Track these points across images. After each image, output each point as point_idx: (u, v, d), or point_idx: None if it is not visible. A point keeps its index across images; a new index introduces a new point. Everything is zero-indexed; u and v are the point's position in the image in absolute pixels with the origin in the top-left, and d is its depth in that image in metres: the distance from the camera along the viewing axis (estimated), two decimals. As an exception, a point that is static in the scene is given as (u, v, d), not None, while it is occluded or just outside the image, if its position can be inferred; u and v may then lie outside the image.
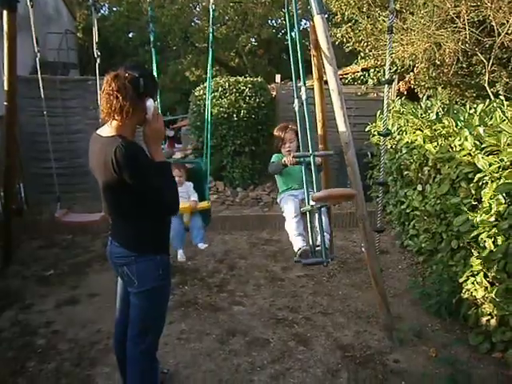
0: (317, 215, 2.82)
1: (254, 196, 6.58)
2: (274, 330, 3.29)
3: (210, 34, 3.45)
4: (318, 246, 2.74)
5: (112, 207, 2.03)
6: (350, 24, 6.84)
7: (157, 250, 2.06)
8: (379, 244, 3.68)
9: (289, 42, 3.15)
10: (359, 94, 6.77)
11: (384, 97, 3.47)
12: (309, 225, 2.78)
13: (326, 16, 3.11)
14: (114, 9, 14.63)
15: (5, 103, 3.82)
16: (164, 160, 2.03)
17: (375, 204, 5.54)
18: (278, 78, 6.90)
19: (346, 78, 7.21)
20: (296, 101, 2.92)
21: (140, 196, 1.92)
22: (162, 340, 3.10)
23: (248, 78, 6.66)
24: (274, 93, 6.99)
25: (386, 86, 3.38)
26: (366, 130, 6.02)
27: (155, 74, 3.17)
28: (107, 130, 1.94)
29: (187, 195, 3.52)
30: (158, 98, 2.34)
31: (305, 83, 2.86)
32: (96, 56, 4.06)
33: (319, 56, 3.23)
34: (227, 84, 6.43)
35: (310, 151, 2.79)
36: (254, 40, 16.00)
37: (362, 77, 7.07)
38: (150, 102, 1.96)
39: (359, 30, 6.72)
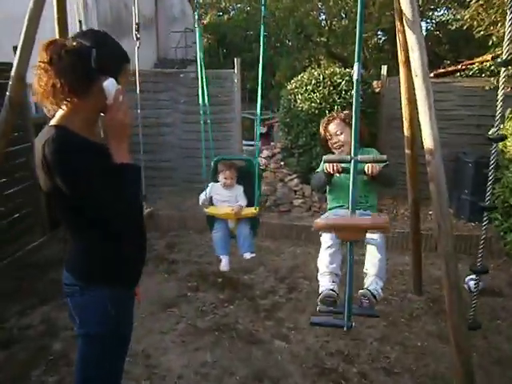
0: (367, 248, 2.06)
1: (345, 204, 5.77)
2: (314, 383, 2.57)
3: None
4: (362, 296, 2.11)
5: (61, 221, 1.57)
6: (481, 2, 5.51)
7: (108, 281, 1.53)
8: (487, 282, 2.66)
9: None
10: (487, 88, 5.44)
11: (499, 85, 2.45)
12: (348, 263, 2.01)
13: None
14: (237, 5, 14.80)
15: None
16: (127, 162, 1.49)
17: (493, 228, 4.38)
18: (384, 69, 5.92)
19: (471, 69, 5.88)
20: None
21: (82, 209, 1.43)
22: (177, 370, 2.69)
23: (347, 70, 5.83)
24: (378, 88, 6.03)
25: (502, 69, 2.37)
26: (490, 132, 4.75)
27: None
28: (53, 119, 1.49)
29: (235, 200, 3.10)
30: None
31: (359, 59, 2.05)
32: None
33: (405, 30, 2.38)
34: (321, 76, 5.71)
35: (352, 153, 1.98)
36: (379, 33, 14.76)
37: (492, 67, 5.68)
38: (108, 83, 1.45)
39: (494, 9, 5.37)
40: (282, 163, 6.27)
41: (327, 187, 2.58)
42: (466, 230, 4.86)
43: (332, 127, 2.51)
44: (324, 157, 2.19)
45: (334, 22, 13.38)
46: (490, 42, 5.61)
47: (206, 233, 5.12)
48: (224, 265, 3.09)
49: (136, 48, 3.42)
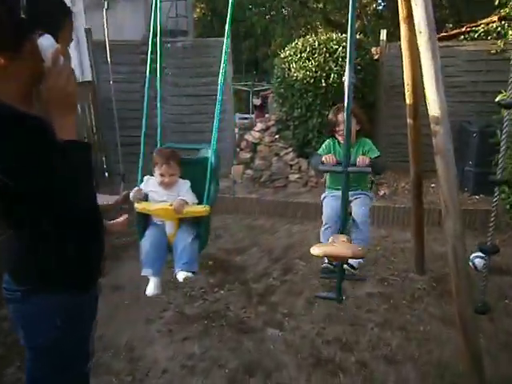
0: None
1: (343, 178, 5.52)
2: (309, 375, 2.38)
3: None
4: (347, 263, 2.38)
5: None
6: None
7: (57, 285, 1.27)
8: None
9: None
10: (493, 52, 5.10)
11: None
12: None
13: None
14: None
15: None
16: (73, 139, 1.23)
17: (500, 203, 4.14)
18: (383, 34, 5.54)
19: (476, 32, 5.50)
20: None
21: (20, 199, 1.18)
22: (162, 363, 2.51)
23: (343, 35, 5.46)
24: (377, 55, 5.67)
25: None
26: (497, 99, 4.45)
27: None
28: None
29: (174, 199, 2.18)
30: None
31: (351, 61, 1.96)
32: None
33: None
34: (316, 43, 5.35)
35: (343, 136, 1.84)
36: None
37: (498, 28, 5.31)
38: (45, 41, 1.16)
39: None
40: (277, 136, 5.98)
41: None
42: (471, 204, 4.63)
43: (341, 116, 2.51)
44: (323, 158, 2.45)
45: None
46: (497, 2, 5.22)
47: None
48: (151, 288, 2.16)
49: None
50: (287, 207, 4.72)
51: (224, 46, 2.13)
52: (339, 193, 2.25)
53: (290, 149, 5.82)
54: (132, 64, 5.94)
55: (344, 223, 2.27)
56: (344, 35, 5.46)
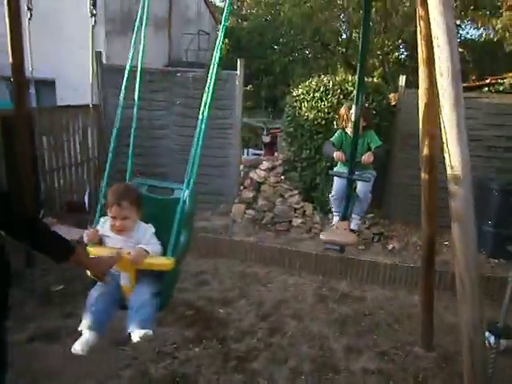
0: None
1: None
2: None
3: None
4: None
5: None
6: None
7: None
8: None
9: None
10: (520, 106, 4.77)
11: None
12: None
13: None
14: (252, 11, 14.35)
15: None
16: None
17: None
18: (402, 79, 5.28)
19: (502, 84, 5.20)
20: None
21: None
22: None
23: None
24: (394, 101, 5.39)
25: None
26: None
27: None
28: None
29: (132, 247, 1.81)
30: None
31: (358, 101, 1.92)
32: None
33: (428, 18, 1.77)
34: (331, 83, 5.11)
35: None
36: (401, 47, 14.15)
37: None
38: None
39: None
40: (283, 177, 5.66)
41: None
42: (489, 269, 4.19)
43: (350, 112, 2.80)
44: (334, 154, 2.93)
45: (353, 33, 12.80)
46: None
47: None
48: (79, 344, 1.66)
49: (91, 26, 2.80)
50: (285, 255, 4.33)
51: (215, 56, 1.87)
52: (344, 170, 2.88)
53: (296, 191, 5.49)
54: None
55: (346, 209, 2.92)
56: (360, 78, 5.22)
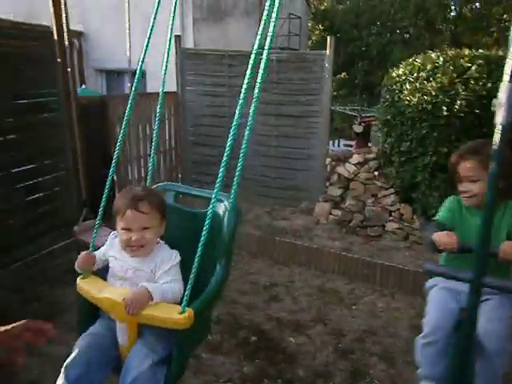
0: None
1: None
2: None
3: None
4: None
5: None
6: None
7: None
8: None
9: None
10: None
11: None
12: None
13: None
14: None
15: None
16: None
17: None
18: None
19: None
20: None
21: None
22: None
23: (479, 51, 4.18)
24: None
25: None
26: None
27: None
28: None
29: (151, 276, 1.31)
30: None
31: None
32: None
33: None
34: (441, 59, 4.15)
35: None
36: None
37: None
38: None
39: None
40: (377, 173, 4.83)
41: None
42: None
43: (464, 169, 1.78)
44: (434, 236, 1.66)
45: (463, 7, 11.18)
46: None
47: (259, 256, 4.02)
48: None
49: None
50: (376, 269, 3.56)
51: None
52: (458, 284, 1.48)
53: (392, 190, 4.65)
54: (219, 76, 5.36)
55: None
56: (481, 51, 4.18)
